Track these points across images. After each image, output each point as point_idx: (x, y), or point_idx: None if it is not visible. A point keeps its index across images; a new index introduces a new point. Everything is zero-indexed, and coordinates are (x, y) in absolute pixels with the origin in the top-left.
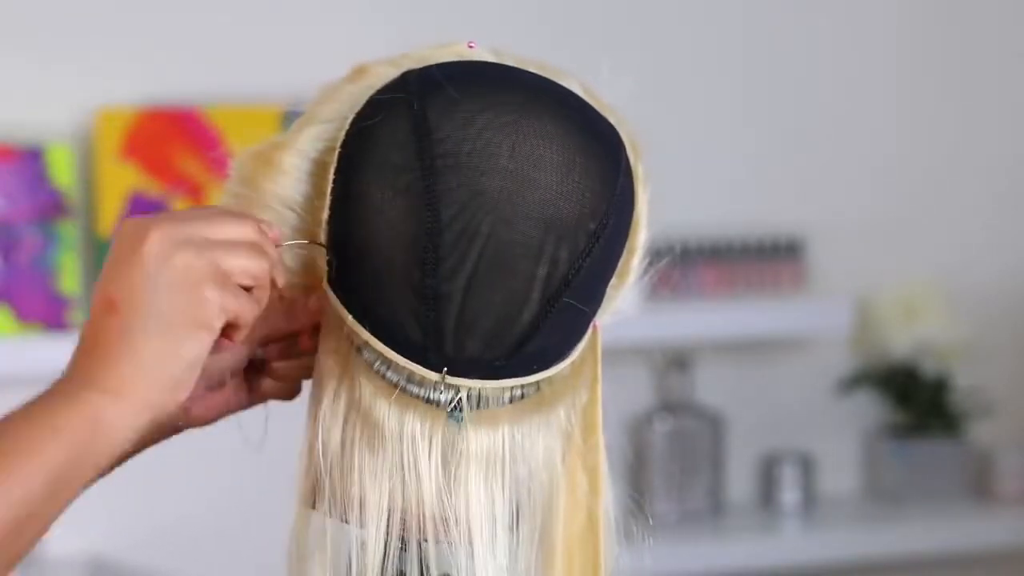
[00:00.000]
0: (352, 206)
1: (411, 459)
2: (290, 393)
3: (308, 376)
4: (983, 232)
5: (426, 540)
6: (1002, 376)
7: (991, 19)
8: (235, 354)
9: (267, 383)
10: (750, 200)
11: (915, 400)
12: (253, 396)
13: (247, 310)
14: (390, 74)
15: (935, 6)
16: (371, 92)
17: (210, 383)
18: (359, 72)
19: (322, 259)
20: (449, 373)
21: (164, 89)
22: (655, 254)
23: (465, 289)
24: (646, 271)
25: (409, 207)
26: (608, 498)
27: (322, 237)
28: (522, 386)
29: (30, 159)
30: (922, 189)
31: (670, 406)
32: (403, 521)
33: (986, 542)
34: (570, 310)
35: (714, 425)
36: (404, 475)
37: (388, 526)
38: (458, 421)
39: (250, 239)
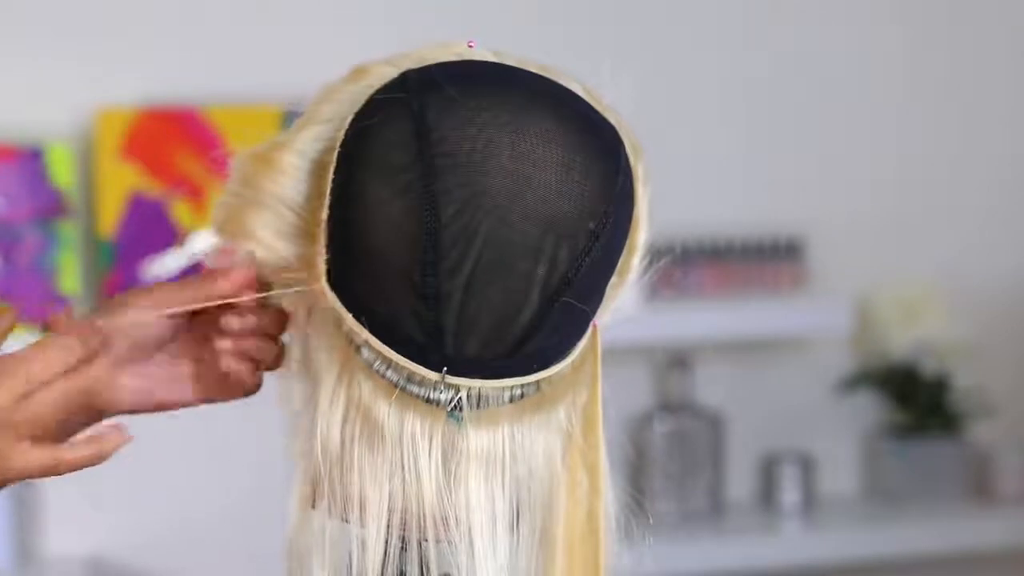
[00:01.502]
0: (352, 206)
1: (411, 459)
2: (247, 383)
3: (268, 361)
4: (983, 232)
5: (426, 540)
6: (1002, 376)
7: (992, 20)
8: (149, 328)
9: (224, 367)
10: (750, 200)
11: (915, 400)
12: (209, 387)
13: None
14: (390, 74)
15: (936, 7)
16: (371, 92)
17: (133, 353)
18: (359, 72)
19: (321, 260)
20: (449, 373)
21: (164, 89)
22: (655, 254)
23: (465, 288)
24: (646, 270)
25: (409, 207)
26: (608, 497)
27: (322, 237)
28: (522, 385)
29: (30, 159)
30: (922, 189)
31: (670, 406)
32: (403, 521)
33: (986, 542)
34: (570, 309)
35: (714, 425)
36: (404, 475)
37: (388, 526)
38: (458, 421)
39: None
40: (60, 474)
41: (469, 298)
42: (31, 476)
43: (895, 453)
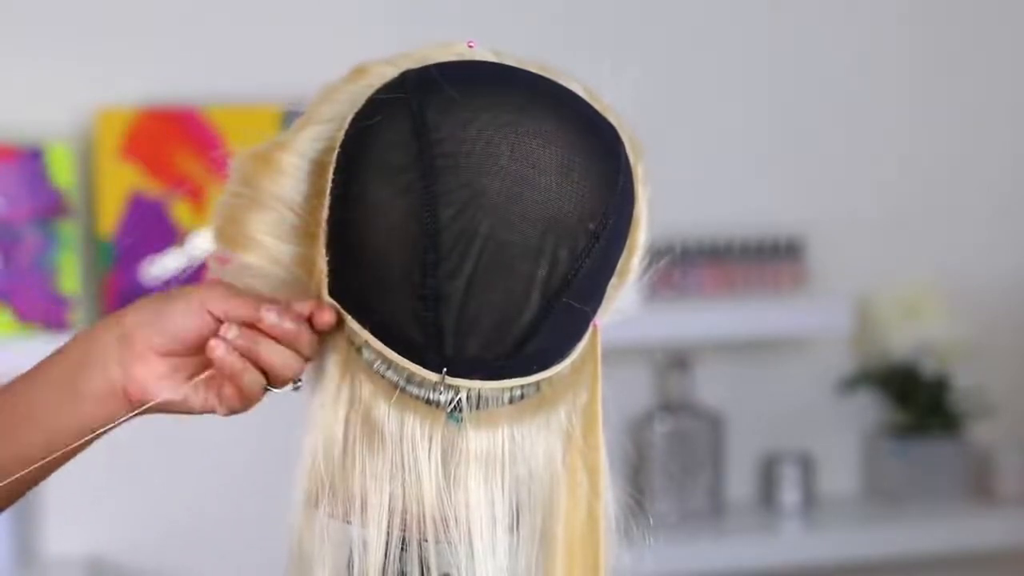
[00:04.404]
0: (352, 206)
1: (411, 460)
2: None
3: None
4: (983, 232)
5: (426, 540)
6: (1002, 376)
7: (995, 20)
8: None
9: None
10: (750, 200)
11: (915, 400)
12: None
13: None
14: (390, 74)
15: (939, 7)
16: (371, 92)
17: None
18: (359, 72)
19: (322, 260)
20: (449, 373)
21: (164, 89)
22: (655, 254)
23: (465, 289)
24: (646, 270)
25: (408, 207)
26: (608, 497)
27: (322, 237)
28: (522, 386)
29: (30, 159)
30: (923, 189)
31: (670, 406)
32: (404, 521)
33: (986, 542)
34: (570, 310)
35: (714, 425)
36: (404, 476)
37: (389, 526)
38: (458, 421)
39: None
40: (187, 412)
41: (469, 299)
42: (154, 399)
43: (895, 453)
